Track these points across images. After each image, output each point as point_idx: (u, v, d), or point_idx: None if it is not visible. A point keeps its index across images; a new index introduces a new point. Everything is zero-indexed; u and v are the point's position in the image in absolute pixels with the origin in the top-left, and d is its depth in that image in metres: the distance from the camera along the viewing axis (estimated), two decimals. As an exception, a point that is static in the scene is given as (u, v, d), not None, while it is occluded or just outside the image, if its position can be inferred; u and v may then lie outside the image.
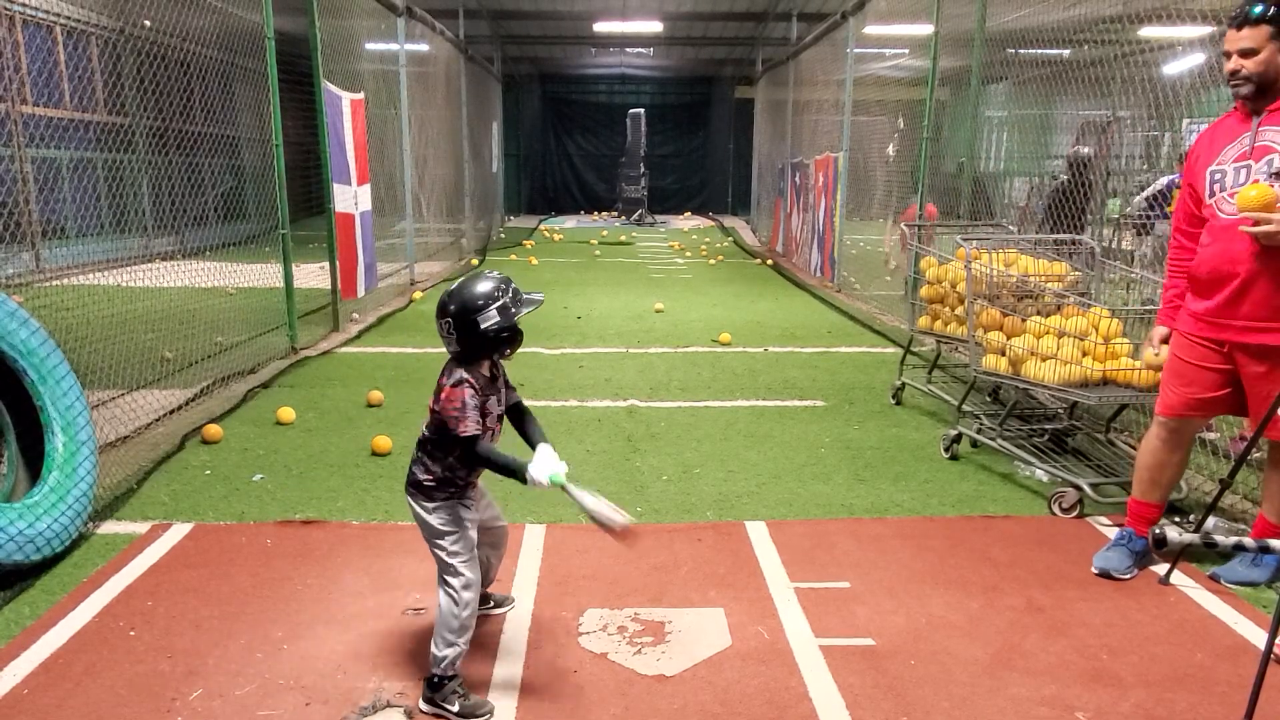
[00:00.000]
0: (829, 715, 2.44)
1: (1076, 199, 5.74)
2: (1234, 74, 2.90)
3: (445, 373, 2.45)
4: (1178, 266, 3.23)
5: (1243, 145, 2.94)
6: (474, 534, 2.55)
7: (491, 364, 2.51)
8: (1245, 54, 2.85)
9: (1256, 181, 2.85)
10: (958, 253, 4.62)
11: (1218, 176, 3.01)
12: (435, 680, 2.45)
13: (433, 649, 2.45)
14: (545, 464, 2.40)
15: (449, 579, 2.47)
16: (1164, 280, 3.34)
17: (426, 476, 2.48)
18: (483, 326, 2.38)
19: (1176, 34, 5.52)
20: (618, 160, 22.35)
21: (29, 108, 10.55)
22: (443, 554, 2.48)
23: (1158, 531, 2.18)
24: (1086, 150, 6.16)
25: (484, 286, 2.42)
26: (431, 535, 2.50)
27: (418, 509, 2.51)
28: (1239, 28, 2.86)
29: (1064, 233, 5.55)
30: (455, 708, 2.42)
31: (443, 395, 2.41)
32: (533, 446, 2.53)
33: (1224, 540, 2.17)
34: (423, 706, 2.45)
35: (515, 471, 2.40)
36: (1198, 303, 3.09)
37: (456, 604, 2.46)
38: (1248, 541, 2.19)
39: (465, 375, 2.41)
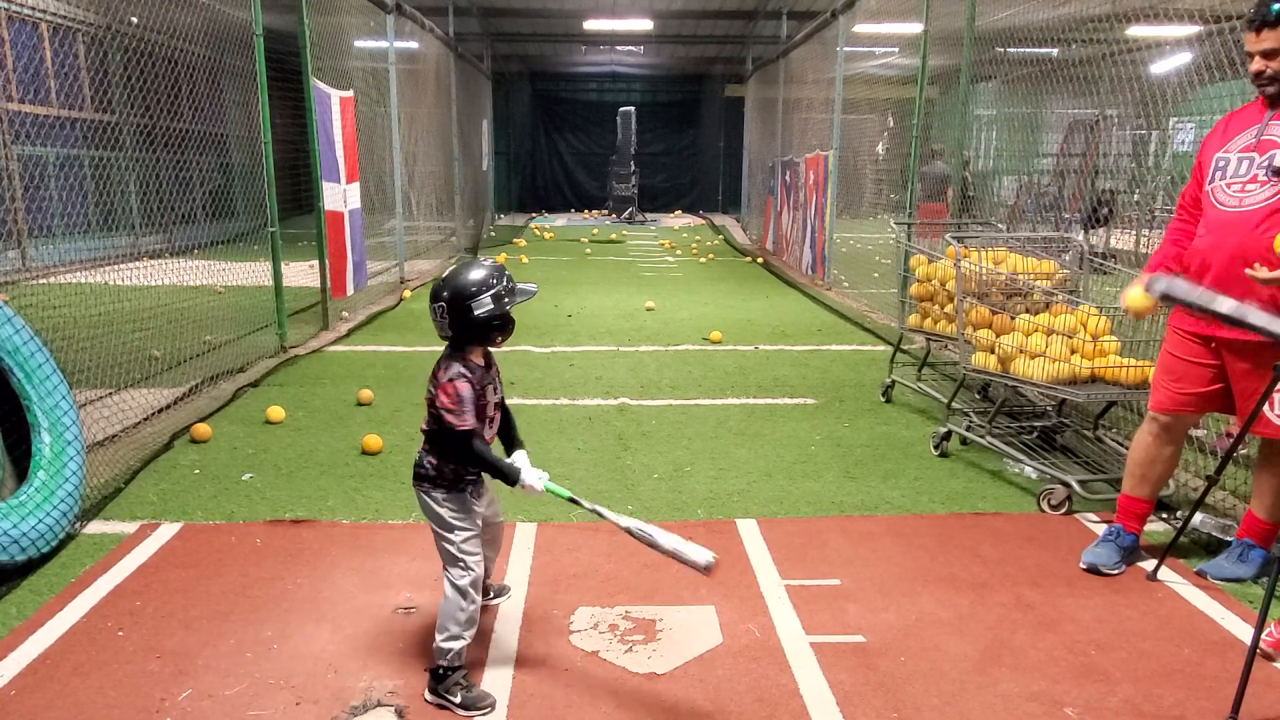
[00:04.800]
0: (820, 712, 2.45)
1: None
2: (1259, 75, 2.88)
3: (441, 366, 2.45)
4: (1174, 238, 3.23)
5: (1251, 137, 2.94)
6: (480, 527, 2.58)
7: (485, 352, 2.54)
8: (1268, 55, 2.83)
9: None
10: (947, 251, 4.64)
11: (1221, 164, 3.00)
12: (439, 671, 2.46)
13: (436, 641, 2.47)
14: (535, 472, 2.49)
15: (454, 571, 2.49)
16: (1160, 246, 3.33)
17: (433, 469, 2.49)
18: (475, 313, 2.38)
19: (1164, 33, 5.55)
20: (608, 158, 22.32)
21: (15, 105, 10.46)
22: (451, 547, 2.49)
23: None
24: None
25: (478, 274, 2.42)
26: (441, 527, 2.51)
27: (427, 500, 2.52)
28: (1258, 30, 2.83)
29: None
30: (458, 699, 2.43)
31: (439, 391, 2.41)
32: (510, 450, 2.60)
33: None
34: (426, 697, 2.46)
35: (506, 475, 2.44)
36: None
37: (463, 597, 2.47)
38: None
39: (461, 369, 2.42)
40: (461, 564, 2.49)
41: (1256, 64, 2.87)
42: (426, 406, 2.50)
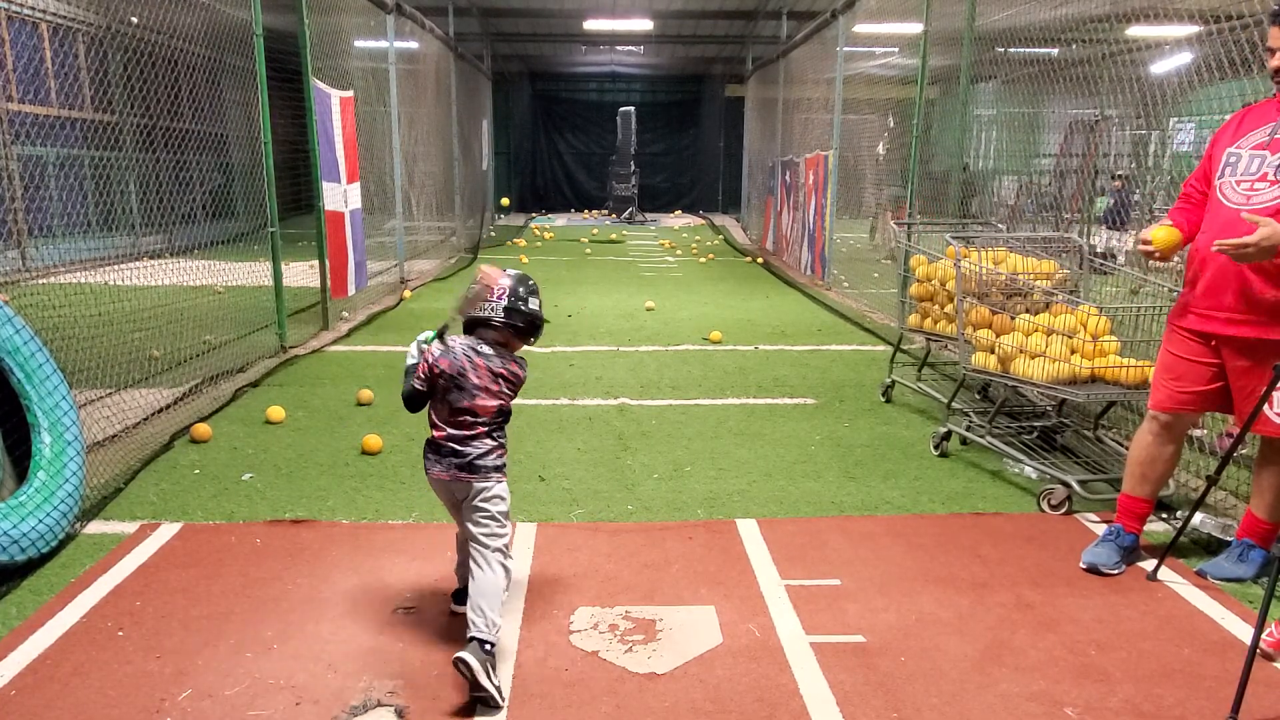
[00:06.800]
0: (820, 712, 2.45)
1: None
2: (1278, 71, 2.87)
3: (504, 358, 2.77)
4: (1179, 206, 3.21)
5: (1265, 135, 2.92)
6: None
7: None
8: None
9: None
10: (947, 251, 4.64)
11: (1232, 159, 2.99)
12: (489, 647, 2.49)
13: (490, 616, 2.51)
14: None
15: (507, 551, 2.66)
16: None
17: (502, 458, 2.69)
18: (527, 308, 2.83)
19: (1164, 33, 5.55)
20: (608, 158, 22.35)
21: (15, 105, 10.46)
22: (503, 527, 2.66)
23: None
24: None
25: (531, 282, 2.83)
26: (501, 512, 2.66)
27: (500, 490, 2.67)
28: None
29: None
30: (498, 677, 2.49)
31: (514, 373, 2.78)
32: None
33: None
34: (472, 665, 2.40)
35: (411, 368, 2.90)
36: (1188, 293, 3.11)
37: (509, 574, 2.64)
38: None
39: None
40: (507, 543, 2.66)
41: (1276, 60, 2.86)
42: (484, 407, 2.67)
